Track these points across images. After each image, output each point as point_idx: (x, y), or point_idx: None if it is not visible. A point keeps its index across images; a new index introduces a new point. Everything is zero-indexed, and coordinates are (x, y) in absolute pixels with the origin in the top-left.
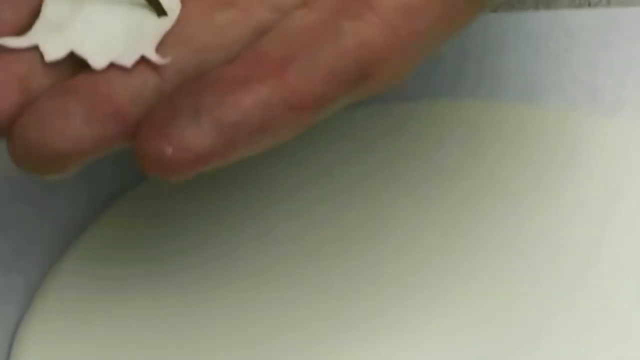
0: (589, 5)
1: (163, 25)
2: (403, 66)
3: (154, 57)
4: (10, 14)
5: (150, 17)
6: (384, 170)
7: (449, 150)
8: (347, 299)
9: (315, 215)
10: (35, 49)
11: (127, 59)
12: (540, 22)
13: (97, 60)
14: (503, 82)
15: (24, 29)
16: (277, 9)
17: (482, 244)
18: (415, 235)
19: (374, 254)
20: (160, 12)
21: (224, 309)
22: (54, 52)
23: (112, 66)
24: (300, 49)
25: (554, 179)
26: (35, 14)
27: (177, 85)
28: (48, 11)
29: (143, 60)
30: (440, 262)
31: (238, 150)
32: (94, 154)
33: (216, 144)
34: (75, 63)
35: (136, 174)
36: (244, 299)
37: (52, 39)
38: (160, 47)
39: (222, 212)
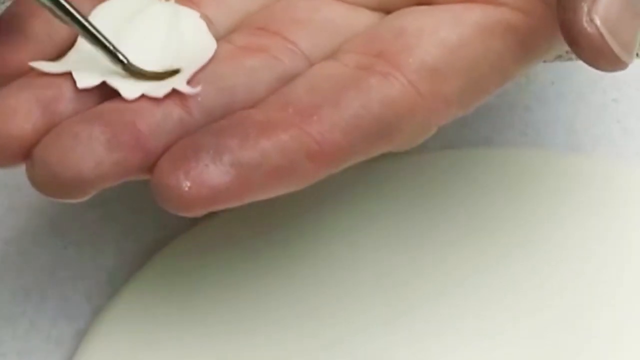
0: (637, 55)
1: (197, 62)
2: (424, 127)
3: (184, 88)
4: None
5: (184, 53)
6: (425, 218)
7: (494, 198)
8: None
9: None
10: (66, 76)
11: (159, 92)
12: (588, 72)
13: (129, 91)
14: (550, 131)
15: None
16: (305, 59)
17: (532, 294)
18: (457, 288)
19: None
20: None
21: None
22: (86, 79)
23: (141, 96)
24: (325, 100)
25: (601, 230)
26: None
27: (202, 122)
28: (84, 42)
29: (171, 93)
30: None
31: (252, 193)
32: (113, 181)
33: (233, 184)
34: (103, 94)
35: (180, 223)
36: (294, 345)
37: (85, 68)
38: (190, 83)
39: (263, 261)
